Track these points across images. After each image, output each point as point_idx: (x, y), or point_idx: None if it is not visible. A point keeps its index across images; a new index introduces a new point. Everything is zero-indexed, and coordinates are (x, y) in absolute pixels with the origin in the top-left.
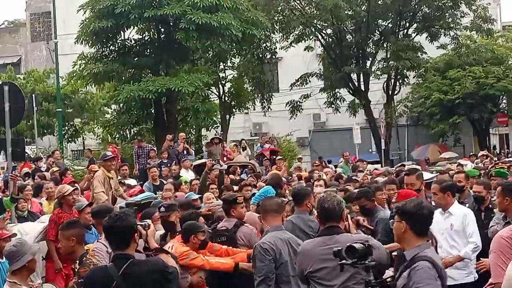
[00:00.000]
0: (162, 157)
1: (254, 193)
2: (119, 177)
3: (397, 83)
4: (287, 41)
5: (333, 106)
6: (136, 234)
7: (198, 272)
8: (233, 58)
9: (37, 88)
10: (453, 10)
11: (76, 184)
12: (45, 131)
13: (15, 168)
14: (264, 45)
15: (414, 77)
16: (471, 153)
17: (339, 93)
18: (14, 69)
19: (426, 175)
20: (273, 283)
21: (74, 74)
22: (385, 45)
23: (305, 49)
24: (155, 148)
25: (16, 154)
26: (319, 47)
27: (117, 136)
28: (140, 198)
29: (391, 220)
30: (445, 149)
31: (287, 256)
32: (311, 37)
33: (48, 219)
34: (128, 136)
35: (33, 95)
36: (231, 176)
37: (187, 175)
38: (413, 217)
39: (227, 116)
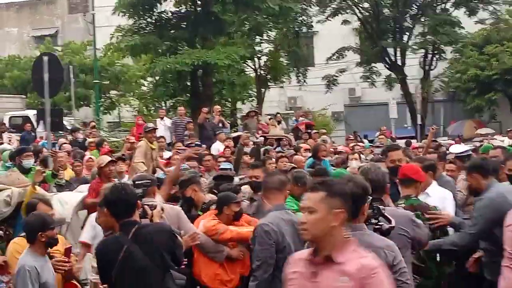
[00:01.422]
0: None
1: (294, 167)
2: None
3: (434, 58)
4: (324, 15)
5: (369, 80)
6: (138, 202)
7: (239, 246)
8: (269, 32)
9: (74, 60)
10: None
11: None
12: (82, 102)
13: (55, 144)
14: (301, 18)
15: (451, 52)
16: (508, 129)
17: (375, 67)
18: (52, 40)
19: (460, 148)
20: (272, 268)
21: (111, 46)
22: (422, 20)
23: (341, 23)
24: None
25: (54, 124)
26: (355, 21)
27: (153, 108)
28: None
29: None
30: (481, 125)
31: (290, 238)
32: (347, 11)
33: (88, 188)
34: (164, 108)
35: (71, 66)
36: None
37: (220, 147)
38: None
39: (262, 89)
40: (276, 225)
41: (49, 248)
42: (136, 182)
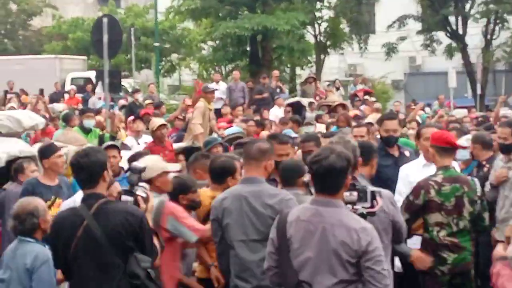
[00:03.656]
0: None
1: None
2: None
3: (497, 27)
4: None
5: (429, 49)
6: (105, 172)
7: None
8: None
9: (136, 22)
10: None
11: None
12: (143, 65)
13: (113, 106)
14: None
15: None
16: None
17: (436, 36)
18: (115, 3)
19: None
20: (217, 245)
21: (172, 10)
22: None
23: None
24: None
25: (112, 85)
26: None
27: (213, 72)
28: (228, 133)
29: None
30: None
31: (235, 216)
32: None
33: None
34: (224, 72)
35: (132, 29)
36: None
37: (279, 112)
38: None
39: (322, 56)
40: (221, 201)
41: (192, 211)
42: (130, 166)
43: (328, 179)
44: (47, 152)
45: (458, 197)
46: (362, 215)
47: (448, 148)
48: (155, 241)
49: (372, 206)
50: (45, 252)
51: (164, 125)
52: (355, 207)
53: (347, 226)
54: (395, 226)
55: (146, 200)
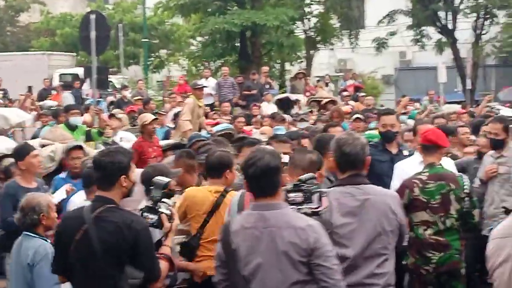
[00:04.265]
0: None
1: None
2: None
3: (486, 22)
4: None
5: (419, 44)
6: (123, 177)
7: None
8: None
9: (125, 18)
10: None
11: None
12: (131, 61)
13: (100, 102)
14: None
15: (503, 16)
16: None
17: (426, 31)
18: None
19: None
20: None
21: (161, 5)
22: None
23: None
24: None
25: (100, 82)
26: None
27: (202, 68)
28: (217, 129)
29: None
30: None
31: None
32: None
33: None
34: (213, 68)
35: (120, 25)
36: None
37: (268, 108)
38: None
39: (312, 51)
40: None
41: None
42: (154, 181)
43: (265, 179)
44: (21, 153)
45: (444, 194)
46: (306, 215)
47: (430, 146)
48: (162, 263)
49: (318, 207)
50: (45, 247)
51: (156, 119)
52: (299, 207)
53: (294, 226)
54: (400, 230)
55: (170, 218)
